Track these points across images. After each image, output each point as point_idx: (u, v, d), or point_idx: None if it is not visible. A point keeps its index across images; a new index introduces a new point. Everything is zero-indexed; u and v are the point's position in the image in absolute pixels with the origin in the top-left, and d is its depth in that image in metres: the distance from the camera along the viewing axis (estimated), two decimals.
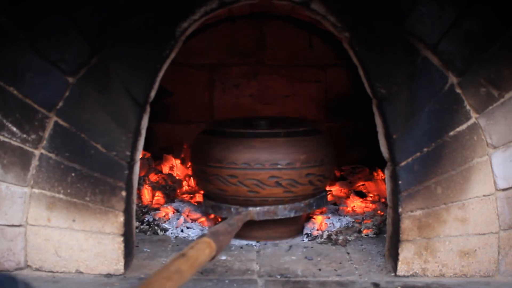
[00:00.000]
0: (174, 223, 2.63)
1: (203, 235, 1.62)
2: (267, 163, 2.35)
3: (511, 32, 1.98)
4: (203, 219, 2.70)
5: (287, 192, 2.38)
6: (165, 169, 3.30)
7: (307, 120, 2.89)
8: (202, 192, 2.74)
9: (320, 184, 2.50)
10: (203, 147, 2.51)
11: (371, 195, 3.01)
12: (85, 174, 2.01)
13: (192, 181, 3.26)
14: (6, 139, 2.00)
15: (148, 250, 2.35)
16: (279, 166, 2.35)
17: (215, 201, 2.53)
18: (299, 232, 2.59)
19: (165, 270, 1.35)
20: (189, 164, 2.72)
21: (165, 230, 2.58)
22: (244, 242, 2.47)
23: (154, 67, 2.02)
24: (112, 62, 2.01)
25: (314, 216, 2.68)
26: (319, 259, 2.28)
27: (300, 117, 3.06)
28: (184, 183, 3.18)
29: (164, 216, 2.69)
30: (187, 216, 2.72)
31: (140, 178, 2.88)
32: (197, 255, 1.48)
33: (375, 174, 3.25)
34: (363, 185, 3.15)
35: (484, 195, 2.03)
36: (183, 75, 3.53)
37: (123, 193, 2.03)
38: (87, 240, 2.04)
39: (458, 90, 2.01)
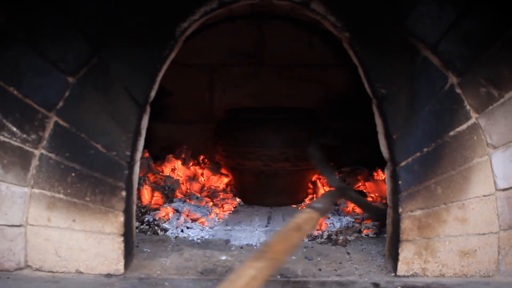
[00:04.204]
0: (174, 223, 2.63)
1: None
2: (278, 142, 2.90)
3: (511, 32, 1.98)
4: (203, 219, 2.70)
5: (294, 166, 2.91)
6: (167, 170, 3.30)
7: (309, 109, 3.29)
8: (223, 165, 3.28)
9: None
10: (226, 130, 3.07)
11: (372, 195, 3.01)
12: (85, 174, 2.01)
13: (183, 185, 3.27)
14: (6, 139, 2.00)
15: (148, 250, 2.35)
16: (288, 144, 2.89)
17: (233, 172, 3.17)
18: (301, 200, 3.14)
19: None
20: (214, 143, 3.23)
21: (165, 230, 2.58)
22: (244, 242, 2.48)
23: (154, 67, 2.02)
24: (112, 62, 2.01)
25: None
26: (319, 259, 2.28)
27: (304, 107, 3.34)
28: (182, 185, 3.17)
29: (164, 216, 2.69)
30: (187, 216, 2.72)
31: (140, 178, 2.88)
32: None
33: (375, 174, 3.25)
34: (363, 185, 3.15)
35: (484, 195, 2.03)
36: (183, 75, 3.53)
37: (123, 193, 2.03)
38: (87, 240, 2.04)
39: (458, 90, 2.01)
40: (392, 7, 2.01)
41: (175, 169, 3.34)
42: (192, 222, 2.68)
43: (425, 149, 2.02)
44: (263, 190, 3.05)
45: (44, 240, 2.04)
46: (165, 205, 2.82)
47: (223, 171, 3.37)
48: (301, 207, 3.02)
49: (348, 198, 2.44)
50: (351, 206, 2.88)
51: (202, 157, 3.58)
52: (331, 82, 3.62)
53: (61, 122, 2.01)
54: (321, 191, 3.15)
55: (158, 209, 2.79)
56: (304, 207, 1.80)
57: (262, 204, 3.07)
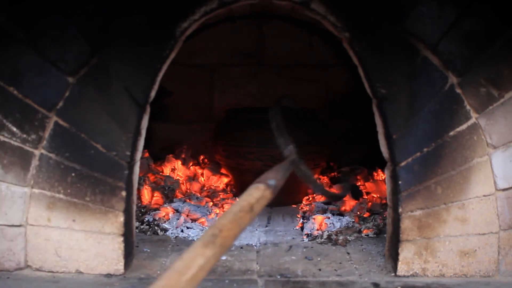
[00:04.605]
0: (174, 223, 2.63)
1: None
2: None
3: (511, 32, 1.98)
4: (203, 219, 2.70)
5: None
6: (167, 170, 3.30)
7: (310, 109, 3.26)
8: (223, 165, 3.28)
9: (320, 160, 3.10)
10: (226, 130, 3.08)
11: (373, 195, 3.01)
12: (85, 174, 2.01)
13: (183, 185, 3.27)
14: (6, 139, 2.00)
15: (148, 250, 2.35)
16: None
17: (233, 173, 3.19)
18: (301, 200, 3.14)
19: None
20: (214, 143, 3.22)
21: (165, 230, 2.58)
22: (244, 242, 2.48)
23: (154, 67, 2.02)
24: (112, 62, 2.01)
25: (314, 216, 2.69)
26: (319, 259, 2.28)
27: (305, 107, 3.30)
28: (182, 185, 3.17)
29: (164, 216, 2.69)
30: (187, 216, 2.72)
31: (140, 178, 2.88)
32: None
33: (375, 174, 3.25)
34: (363, 185, 3.15)
35: (484, 195, 2.03)
36: (183, 75, 3.53)
37: (123, 193, 2.03)
38: (87, 240, 2.04)
39: (458, 90, 2.01)
40: (392, 7, 2.01)
41: (175, 169, 3.34)
42: (192, 222, 2.68)
43: (425, 149, 2.02)
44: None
45: (44, 240, 2.04)
46: (165, 205, 2.82)
47: (223, 171, 3.37)
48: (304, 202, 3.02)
49: (299, 172, 2.25)
50: (348, 205, 2.88)
51: (202, 157, 3.58)
52: (331, 82, 3.62)
53: (61, 122, 2.01)
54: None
55: (158, 209, 2.79)
56: (257, 182, 1.62)
57: None
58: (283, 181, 1.82)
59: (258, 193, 1.60)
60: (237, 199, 1.60)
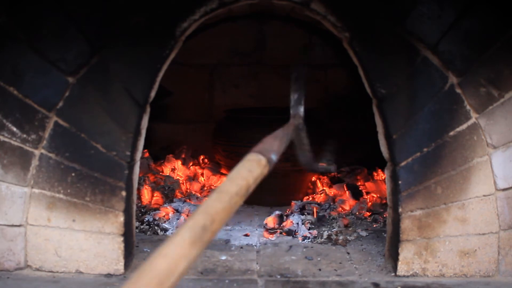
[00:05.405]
0: (174, 223, 2.63)
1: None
2: None
3: (511, 32, 1.98)
4: None
5: (294, 166, 2.82)
6: (167, 170, 3.30)
7: (309, 109, 3.15)
8: (223, 165, 3.27)
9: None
10: (226, 130, 3.07)
11: (374, 195, 3.01)
12: (85, 174, 2.01)
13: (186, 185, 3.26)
14: (6, 139, 2.00)
15: (148, 250, 2.34)
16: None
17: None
18: (300, 197, 3.11)
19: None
20: (213, 143, 3.21)
21: (165, 230, 2.58)
22: (244, 242, 2.48)
23: (154, 67, 2.02)
24: (112, 62, 2.01)
25: (266, 219, 2.68)
26: (319, 259, 2.28)
27: (304, 107, 3.26)
28: (182, 185, 3.17)
29: (164, 216, 2.69)
30: (187, 216, 2.72)
31: (140, 178, 2.88)
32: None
33: (375, 174, 3.25)
34: (363, 185, 3.15)
35: (484, 195, 2.03)
36: (183, 75, 3.53)
37: (123, 193, 2.03)
38: (87, 240, 2.04)
39: (458, 90, 2.01)
40: (392, 7, 2.01)
41: (175, 169, 3.34)
42: None
43: (425, 149, 2.02)
44: (263, 190, 3.04)
45: (44, 240, 2.04)
46: (165, 205, 2.82)
47: (223, 171, 3.37)
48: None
49: (297, 138, 2.08)
50: (348, 205, 2.88)
51: (202, 157, 3.58)
52: (331, 82, 3.63)
53: (61, 122, 2.01)
54: (321, 191, 3.15)
55: (158, 209, 2.79)
56: (258, 153, 1.37)
57: (262, 204, 3.07)
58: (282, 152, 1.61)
59: (258, 170, 1.37)
60: (235, 171, 1.36)
